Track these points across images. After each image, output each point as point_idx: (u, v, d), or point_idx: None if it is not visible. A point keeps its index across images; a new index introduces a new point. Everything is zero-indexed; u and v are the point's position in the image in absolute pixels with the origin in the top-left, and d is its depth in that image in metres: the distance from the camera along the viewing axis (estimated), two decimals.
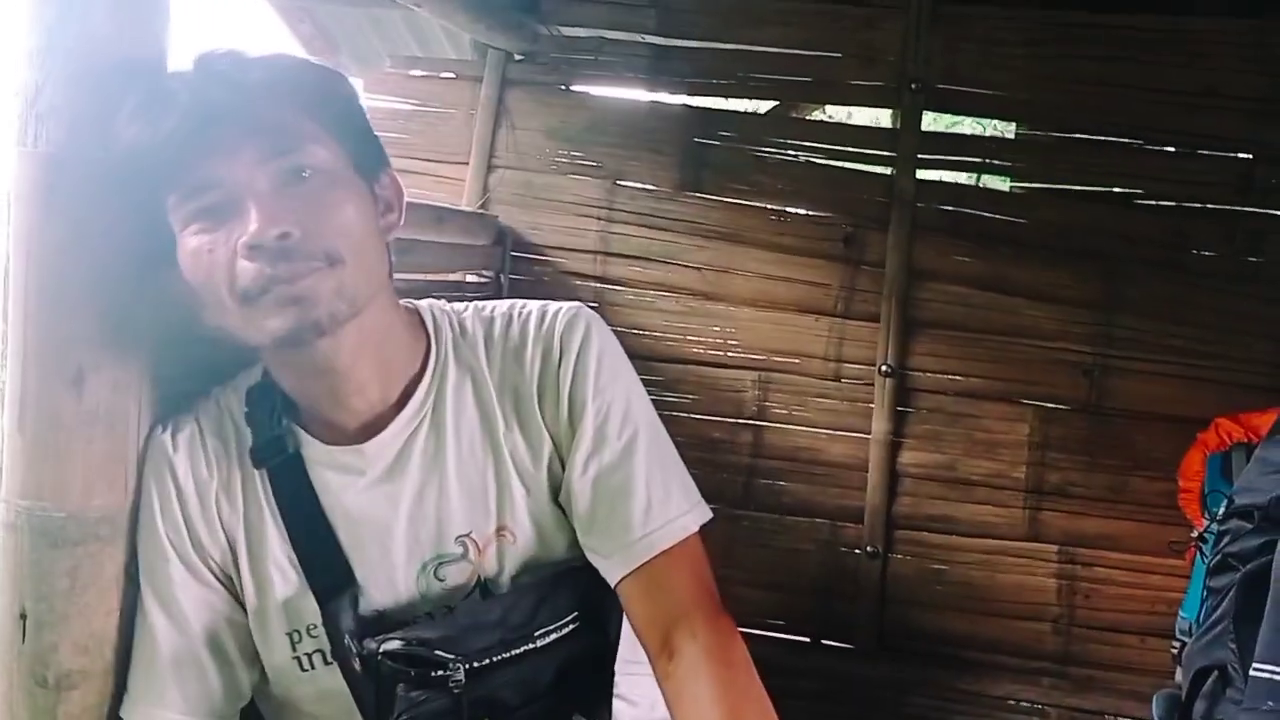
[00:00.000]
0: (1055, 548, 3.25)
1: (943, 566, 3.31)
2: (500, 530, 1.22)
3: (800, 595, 3.37)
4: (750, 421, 3.35)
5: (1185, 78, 3.08)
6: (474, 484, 1.22)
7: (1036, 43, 3.13)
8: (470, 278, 3.16)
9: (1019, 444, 3.24)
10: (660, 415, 3.45)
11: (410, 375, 1.22)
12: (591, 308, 3.05)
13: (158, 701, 1.19)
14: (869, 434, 3.28)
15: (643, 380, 3.44)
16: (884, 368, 3.24)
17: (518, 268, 3.33)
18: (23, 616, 1.17)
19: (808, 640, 3.37)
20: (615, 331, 3.43)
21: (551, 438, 1.23)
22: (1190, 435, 2.66)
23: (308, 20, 3.57)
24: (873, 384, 3.26)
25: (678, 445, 3.45)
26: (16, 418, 1.15)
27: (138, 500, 1.21)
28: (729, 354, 3.35)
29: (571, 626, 1.21)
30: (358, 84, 3.48)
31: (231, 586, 1.23)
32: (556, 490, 1.24)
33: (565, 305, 1.27)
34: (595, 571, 1.21)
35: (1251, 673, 1.39)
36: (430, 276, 2.79)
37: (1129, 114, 3.13)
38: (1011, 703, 3.14)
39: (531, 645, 1.18)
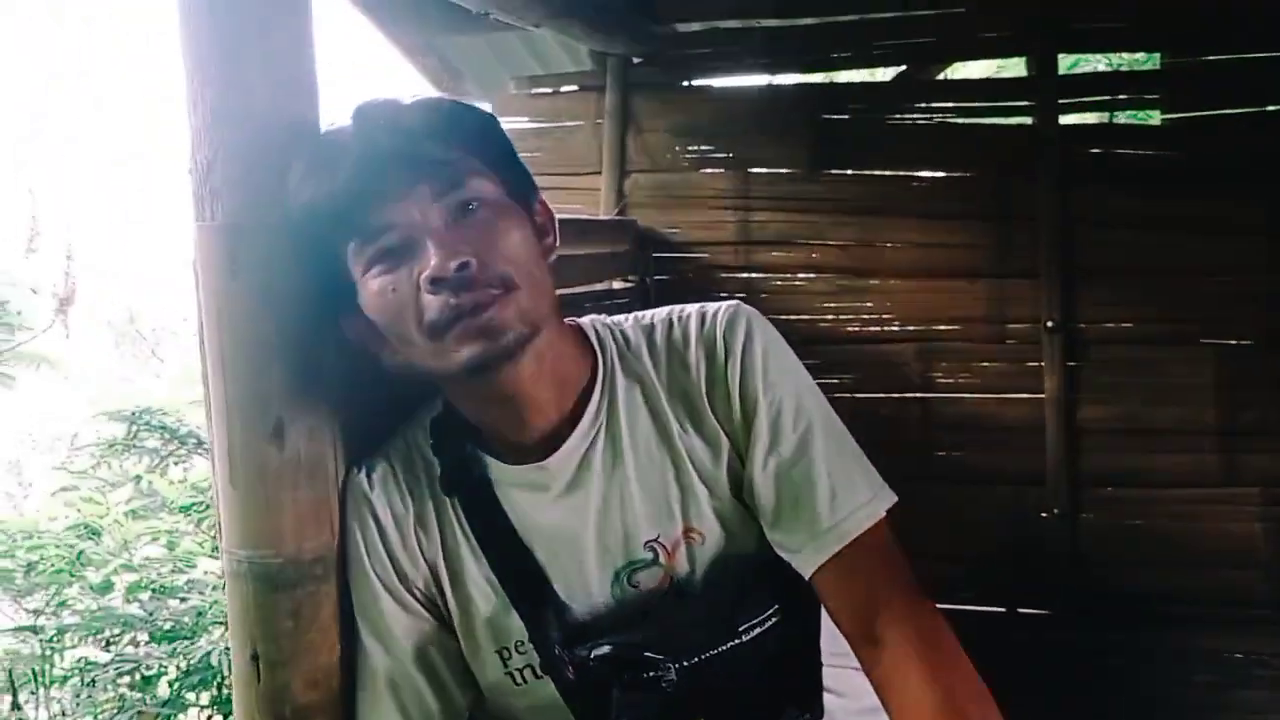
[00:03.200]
0: (1257, 490, 3.12)
1: (1137, 521, 3.20)
2: (688, 532, 1.23)
3: (990, 565, 3.31)
4: (917, 394, 3.31)
5: None
6: (655, 489, 1.23)
7: None
8: (616, 284, 3.19)
9: (1204, 386, 3.12)
10: (825, 398, 3.41)
11: (581, 390, 1.24)
12: (739, 298, 3.02)
13: None
14: (1042, 393, 3.20)
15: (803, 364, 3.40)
16: (1049, 323, 3.15)
17: (662, 268, 3.35)
18: (255, 658, 1.22)
19: (1003, 610, 3.30)
20: (767, 319, 3.43)
21: (728, 436, 1.23)
22: None
23: (431, 53, 3.66)
24: (1039, 342, 3.18)
25: (846, 425, 3.42)
26: (227, 473, 1.21)
27: (344, 540, 1.26)
28: (886, 328, 3.31)
29: (774, 619, 1.20)
30: (486, 108, 3.56)
31: (439, 612, 1.27)
32: (739, 487, 1.23)
33: (724, 305, 1.27)
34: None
35: None
36: (577, 289, 2.82)
37: (1276, 25, 2.95)
38: (1226, 655, 3.01)
39: (737, 640, 1.18)
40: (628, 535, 1.23)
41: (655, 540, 1.22)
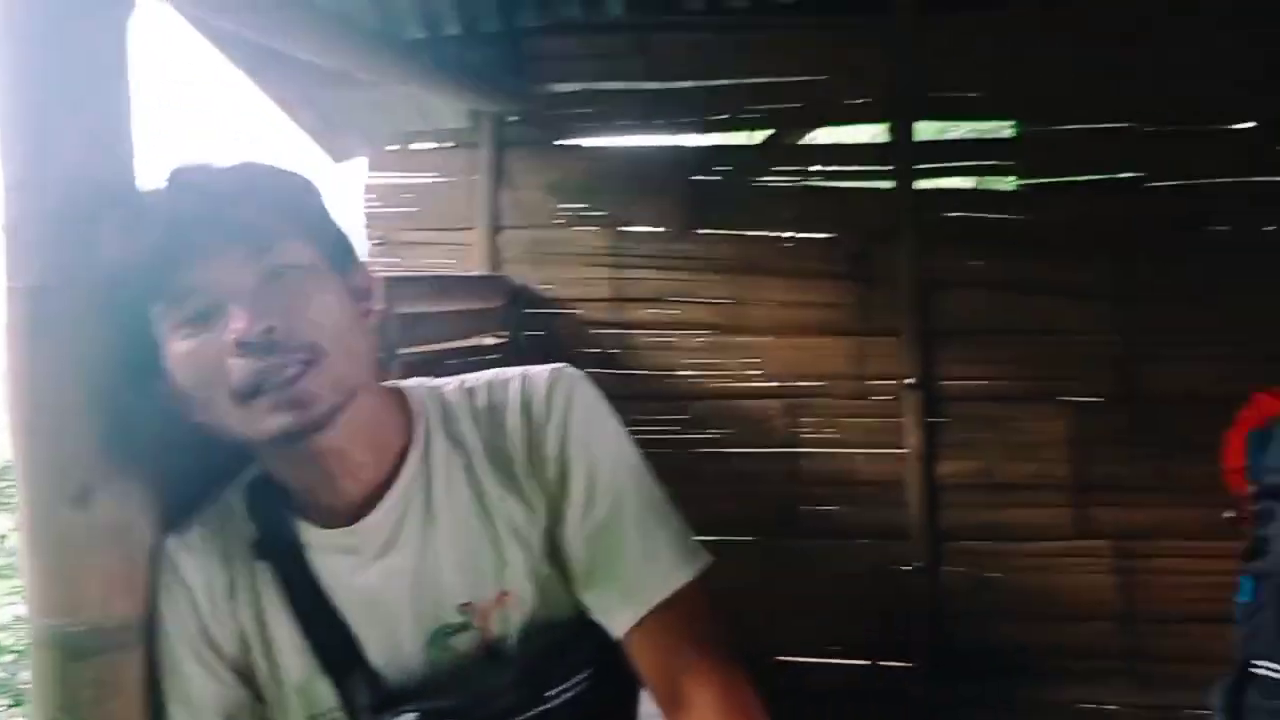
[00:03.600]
0: (1108, 543, 3.22)
1: (995, 575, 3.28)
2: (502, 595, 1.23)
3: (853, 618, 3.35)
4: (783, 449, 3.35)
5: (1178, 54, 3.06)
6: (470, 552, 1.23)
7: (1019, 39, 3.13)
8: (488, 340, 3.20)
9: (1058, 442, 3.22)
10: (693, 452, 3.46)
11: (398, 453, 1.24)
12: (610, 354, 3.03)
13: None
14: (903, 449, 3.27)
15: (669, 419, 3.44)
16: (909, 381, 3.23)
17: (534, 324, 3.37)
18: None
19: (866, 663, 3.35)
20: (637, 375, 3.46)
21: (544, 499, 1.23)
22: (1231, 414, 2.62)
23: (309, 107, 3.65)
24: (900, 398, 3.26)
25: (712, 480, 3.46)
26: (30, 540, 1.19)
27: (154, 607, 1.23)
28: (755, 384, 3.36)
29: (586, 683, 1.22)
30: (360, 163, 3.57)
31: (250, 681, 1.25)
32: (554, 550, 1.24)
33: (548, 368, 1.28)
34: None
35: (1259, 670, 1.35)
36: (444, 345, 2.83)
37: (1125, 97, 3.12)
38: (1080, 706, 3.08)
39: (545, 706, 1.19)
40: (441, 599, 1.22)
41: (469, 604, 1.22)
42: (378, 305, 1.25)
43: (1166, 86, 3.08)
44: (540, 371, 1.27)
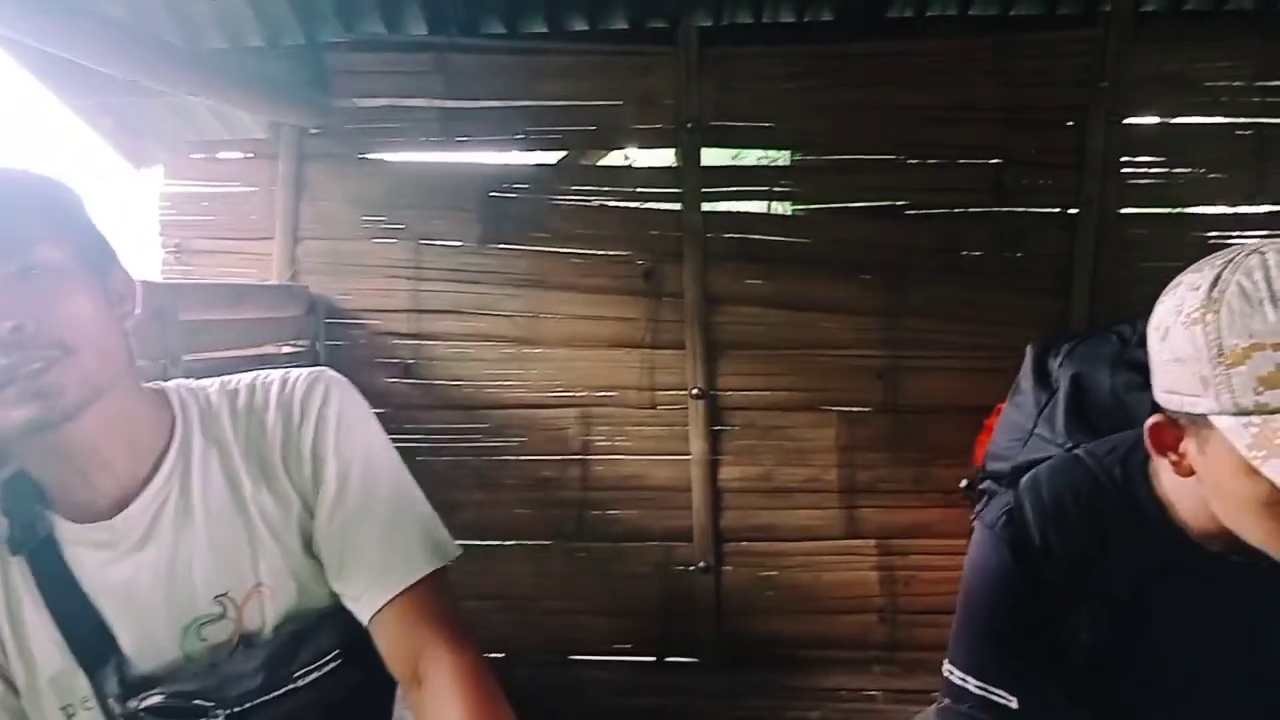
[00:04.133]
0: (873, 542, 3.47)
1: (772, 573, 3.49)
2: (258, 586, 1.29)
3: (642, 617, 3.52)
4: (577, 456, 3.50)
5: (935, 95, 3.33)
6: (226, 546, 1.29)
7: (797, 76, 3.34)
8: (285, 349, 3.22)
9: (828, 449, 3.45)
10: (490, 459, 3.54)
11: (157, 451, 1.29)
12: (409, 364, 3.10)
13: None
14: (689, 455, 3.45)
15: (468, 428, 3.52)
16: (694, 390, 3.41)
17: (333, 334, 3.42)
18: None
19: (653, 659, 3.52)
20: (436, 385, 3.55)
21: (299, 494, 1.30)
22: (979, 423, 2.87)
23: (107, 114, 3.60)
24: (686, 407, 3.44)
25: (510, 486, 3.54)
26: None
27: None
28: (550, 394, 3.49)
29: (333, 664, 1.28)
30: (159, 170, 3.54)
31: (3, 672, 1.28)
32: (309, 543, 1.31)
33: (307, 370, 1.35)
34: None
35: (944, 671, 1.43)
36: (236, 353, 2.85)
37: (890, 133, 3.36)
38: (843, 692, 3.30)
39: (292, 686, 1.26)
40: (196, 591, 1.27)
41: (225, 595, 1.28)
42: (136, 308, 1.29)
43: (924, 124, 3.33)
44: (300, 374, 1.33)
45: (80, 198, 1.29)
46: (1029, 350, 1.71)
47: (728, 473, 3.47)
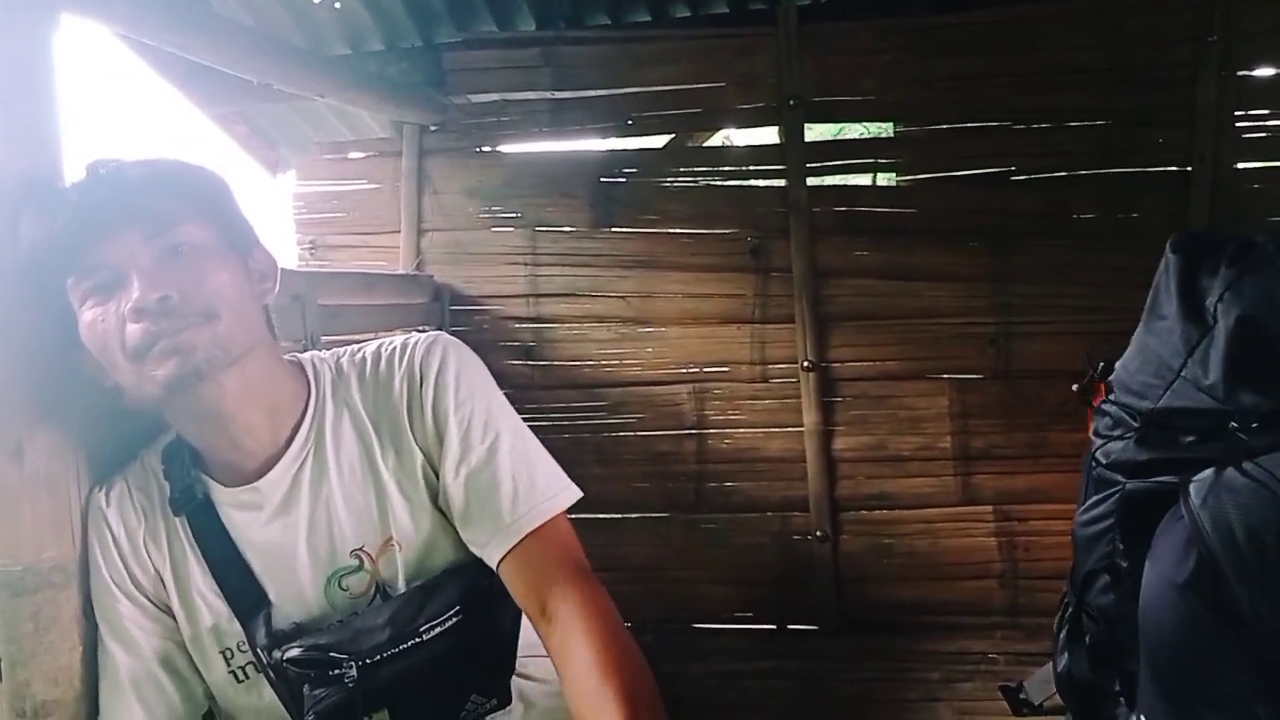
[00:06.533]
0: (990, 508, 3.47)
1: (889, 540, 3.53)
2: (388, 541, 1.39)
3: (761, 586, 3.60)
4: (692, 430, 3.59)
5: (1038, 59, 3.32)
6: (359, 503, 1.39)
7: (898, 48, 3.37)
8: (414, 334, 3.38)
9: (941, 416, 3.47)
10: (608, 436, 3.66)
11: (295, 416, 1.40)
12: (530, 347, 3.25)
13: (126, 719, 1.38)
14: (802, 427, 3.51)
15: (587, 406, 3.65)
16: (805, 363, 3.47)
17: (457, 320, 3.58)
18: None
19: (774, 628, 3.59)
20: (555, 366, 3.71)
21: (423, 451, 1.39)
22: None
23: (241, 122, 3.84)
24: (798, 380, 3.50)
25: (629, 461, 3.66)
26: None
27: (85, 550, 1.40)
28: (663, 371, 3.59)
29: (455, 619, 1.36)
30: (291, 173, 3.76)
31: (172, 614, 1.41)
32: (435, 497, 1.40)
33: (425, 335, 1.44)
34: (479, 566, 1.38)
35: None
36: (368, 336, 3.01)
37: (994, 99, 3.36)
38: (965, 655, 3.31)
39: (418, 639, 1.34)
40: (335, 545, 1.39)
41: (361, 549, 1.39)
42: (276, 285, 1.42)
43: (1028, 88, 3.33)
44: (419, 338, 1.43)
45: (226, 184, 1.42)
46: (1171, 257, 1.46)
47: (841, 443, 3.52)
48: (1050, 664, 2.72)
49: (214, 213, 1.35)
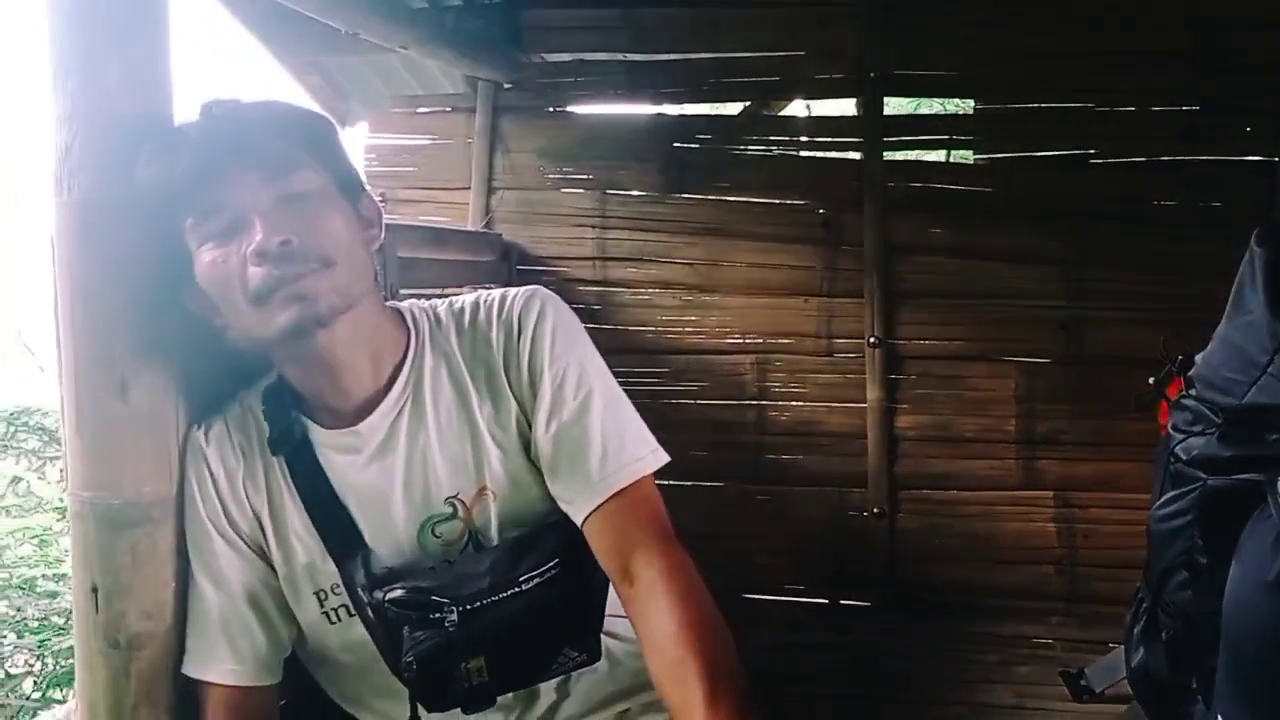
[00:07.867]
0: (1051, 493, 3.45)
1: (947, 521, 3.51)
2: (482, 490, 1.39)
3: (816, 559, 3.59)
4: (753, 401, 3.58)
5: (1124, 40, 3.28)
6: (454, 451, 1.40)
7: (982, 23, 3.34)
8: (482, 292, 3.39)
9: (1006, 399, 3.45)
10: (669, 403, 3.65)
11: (395, 363, 1.40)
12: (595, 310, 3.24)
13: (212, 655, 1.39)
14: (864, 403, 3.50)
15: (648, 372, 3.65)
16: (872, 339, 3.45)
17: (524, 279, 3.57)
18: (94, 590, 1.36)
19: (826, 602, 3.58)
20: (619, 330, 3.71)
21: (518, 403, 1.39)
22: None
23: (314, 72, 3.84)
24: (863, 355, 3.48)
25: (689, 429, 3.64)
26: (74, 423, 1.35)
27: (182, 487, 1.41)
28: (727, 340, 3.58)
29: (553, 572, 1.35)
30: (364, 126, 3.77)
31: (265, 556, 1.43)
32: (528, 449, 1.40)
33: (524, 289, 1.45)
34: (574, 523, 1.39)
35: None
36: (437, 291, 3.02)
37: (1076, 79, 3.33)
38: (1020, 639, 3.29)
39: (517, 589, 1.34)
40: (430, 492, 1.39)
41: (455, 497, 1.39)
42: (382, 232, 1.42)
43: (1113, 70, 3.29)
44: (518, 292, 1.44)
45: (335, 130, 1.42)
46: (1257, 250, 1.44)
47: (904, 421, 3.50)
48: (1113, 653, 2.72)
49: (327, 157, 1.36)
